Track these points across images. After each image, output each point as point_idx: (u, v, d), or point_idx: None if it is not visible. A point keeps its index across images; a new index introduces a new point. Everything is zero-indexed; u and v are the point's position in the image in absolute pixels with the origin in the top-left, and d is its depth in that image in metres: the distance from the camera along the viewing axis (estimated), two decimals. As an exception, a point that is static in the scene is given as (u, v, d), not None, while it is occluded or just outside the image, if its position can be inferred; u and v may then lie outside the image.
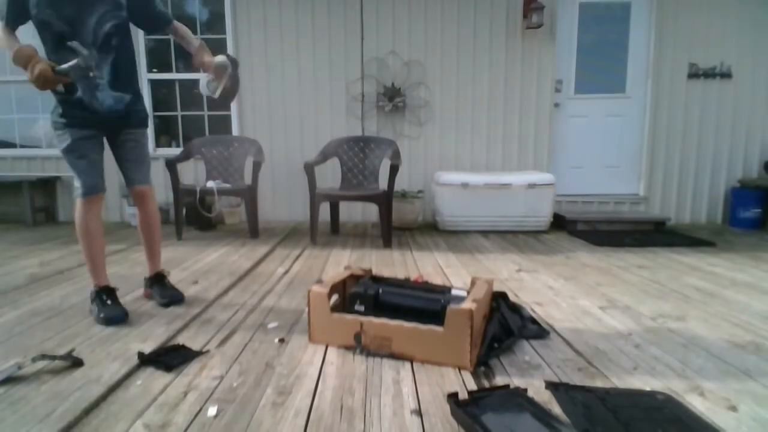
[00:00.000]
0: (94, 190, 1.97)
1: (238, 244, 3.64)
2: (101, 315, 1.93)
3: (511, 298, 2.17)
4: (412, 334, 1.56)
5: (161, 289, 2.23)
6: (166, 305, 2.16)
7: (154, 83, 4.76)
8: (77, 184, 1.95)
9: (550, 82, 4.63)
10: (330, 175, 4.48)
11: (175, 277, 2.61)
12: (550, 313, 2.07)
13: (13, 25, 1.80)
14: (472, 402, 1.25)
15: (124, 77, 2.00)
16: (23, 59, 1.67)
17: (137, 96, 2.08)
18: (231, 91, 2.14)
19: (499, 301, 1.95)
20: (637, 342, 1.74)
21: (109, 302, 1.99)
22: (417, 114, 4.69)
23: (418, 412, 1.26)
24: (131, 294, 2.34)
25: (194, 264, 3.00)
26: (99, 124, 1.97)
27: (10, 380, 1.44)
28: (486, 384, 1.42)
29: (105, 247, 2.08)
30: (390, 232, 3.57)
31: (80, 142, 1.93)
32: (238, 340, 1.77)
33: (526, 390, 1.34)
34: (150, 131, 4.73)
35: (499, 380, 1.45)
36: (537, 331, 1.80)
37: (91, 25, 1.85)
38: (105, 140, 2.06)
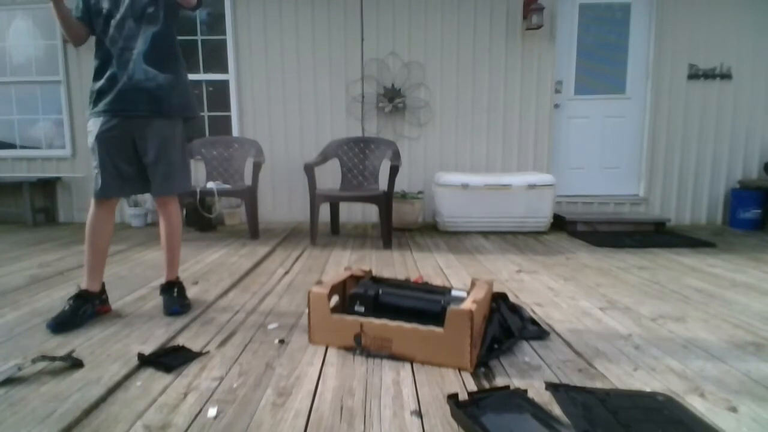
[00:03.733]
0: (104, 194, 1.94)
1: (238, 245, 3.64)
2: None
3: (511, 298, 2.17)
4: (412, 335, 1.56)
5: (166, 299, 2.13)
6: (168, 315, 2.08)
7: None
8: (95, 182, 1.94)
9: (550, 83, 4.63)
10: (330, 176, 4.48)
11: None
12: (550, 313, 2.07)
13: (79, 16, 1.87)
14: (472, 403, 1.25)
15: (159, 53, 1.90)
16: None
17: (176, 79, 1.95)
18: None
19: (498, 302, 1.95)
20: (638, 343, 1.74)
21: (66, 307, 1.92)
22: (417, 115, 4.69)
23: (418, 413, 1.26)
24: (131, 294, 2.34)
25: (194, 265, 3.00)
26: (125, 110, 1.88)
27: (10, 381, 1.44)
28: (486, 385, 1.42)
29: (106, 253, 2.04)
30: (390, 233, 3.57)
31: (104, 140, 1.90)
32: (238, 341, 1.77)
33: (526, 391, 1.34)
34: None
35: (499, 381, 1.44)
36: (537, 332, 1.80)
37: None
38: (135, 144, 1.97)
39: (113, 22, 1.86)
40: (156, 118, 1.95)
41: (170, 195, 2.07)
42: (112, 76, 1.88)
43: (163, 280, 2.21)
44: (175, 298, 2.14)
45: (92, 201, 1.96)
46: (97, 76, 1.91)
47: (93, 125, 1.92)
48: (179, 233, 2.17)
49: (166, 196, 2.07)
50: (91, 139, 1.93)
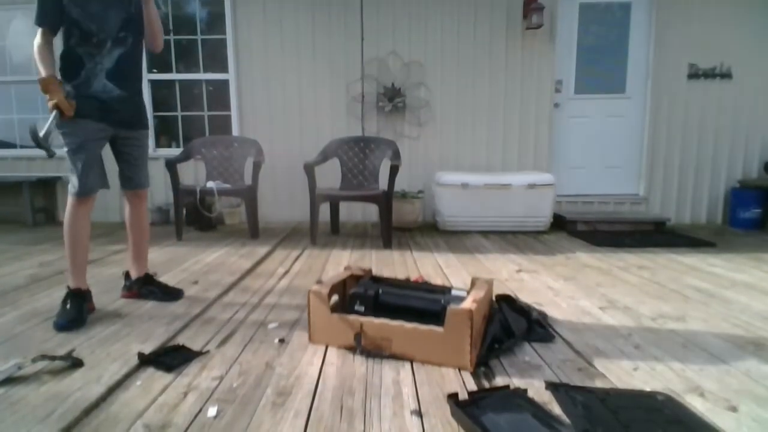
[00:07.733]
0: (91, 191, 1.99)
1: (238, 245, 3.63)
2: (55, 319, 1.92)
3: (511, 298, 2.16)
4: (412, 334, 1.56)
5: (160, 286, 2.30)
6: (173, 300, 2.24)
7: (153, 83, 4.76)
8: (75, 182, 1.95)
9: (550, 82, 4.63)
10: (330, 176, 4.47)
11: (175, 278, 2.61)
12: (550, 313, 2.06)
13: (51, 26, 1.90)
14: (472, 402, 1.25)
15: (123, 72, 2.03)
16: (44, 87, 1.84)
17: (131, 96, 2.09)
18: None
19: (501, 303, 1.94)
20: (637, 342, 1.74)
21: (68, 306, 1.95)
22: (417, 114, 4.68)
23: (418, 413, 1.26)
24: (131, 294, 2.34)
25: (194, 264, 3.00)
26: (101, 114, 1.99)
27: (10, 381, 1.44)
28: (486, 384, 1.42)
29: (88, 250, 2.08)
30: (390, 233, 3.56)
31: (93, 141, 1.97)
32: (238, 341, 1.77)
33: (526, 390, 1.34)
34: (150, 131, 4.80)
35: (499, 381, 1.44)
36: (543, 334, 1.79)
37: (112, 20, 1.96)
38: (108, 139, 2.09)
39: (94, 40, 1.94)
40: (126, 128, 2.11)
41: (148, 187, 2.29)
42: (86, 86, 1.96)
43: (135, 275, 2.30)
44: (165, 285, 2.33)
45: (72, 201, 1.97)
46: (68, 77, 1.96)
47: (79, 128, 1.94)
48: (148, 223, 2.37)
49: (145, 189, 2.27)
50: (76, 140, 1.94)
